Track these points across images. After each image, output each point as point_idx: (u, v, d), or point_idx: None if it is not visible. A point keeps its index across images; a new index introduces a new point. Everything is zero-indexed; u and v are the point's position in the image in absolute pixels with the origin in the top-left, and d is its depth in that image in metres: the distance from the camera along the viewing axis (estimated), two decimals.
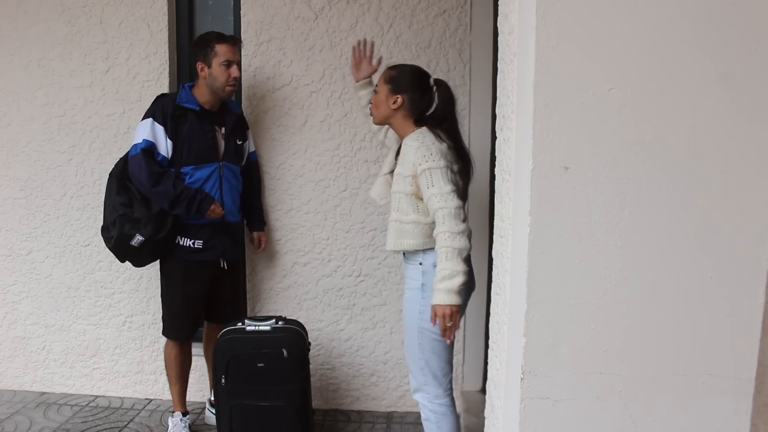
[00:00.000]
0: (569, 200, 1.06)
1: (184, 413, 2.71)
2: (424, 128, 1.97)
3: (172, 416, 2.71)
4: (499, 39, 1.32)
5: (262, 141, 2.89)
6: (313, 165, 2.88)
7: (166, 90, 2.85)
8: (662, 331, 1.09)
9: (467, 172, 2.03)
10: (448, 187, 1.84)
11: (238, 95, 2.92)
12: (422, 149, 1.88)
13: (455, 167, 1.93)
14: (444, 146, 1.92)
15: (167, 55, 2.87)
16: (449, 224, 1.80)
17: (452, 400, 2.07)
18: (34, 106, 2.97)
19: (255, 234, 2.84)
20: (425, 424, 2.08)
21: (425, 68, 2.01)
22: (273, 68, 2.83)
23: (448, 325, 1.83)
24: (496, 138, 1.33)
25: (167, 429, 2.72)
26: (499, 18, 1.32)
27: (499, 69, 1.32)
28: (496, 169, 1.32)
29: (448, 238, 1.80)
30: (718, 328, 1.08)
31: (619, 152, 1.05)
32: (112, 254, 2.57)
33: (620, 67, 1.03)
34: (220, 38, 2.47)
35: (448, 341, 1.91)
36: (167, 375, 2.72)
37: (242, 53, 2.84)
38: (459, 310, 1.82)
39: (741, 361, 1.09)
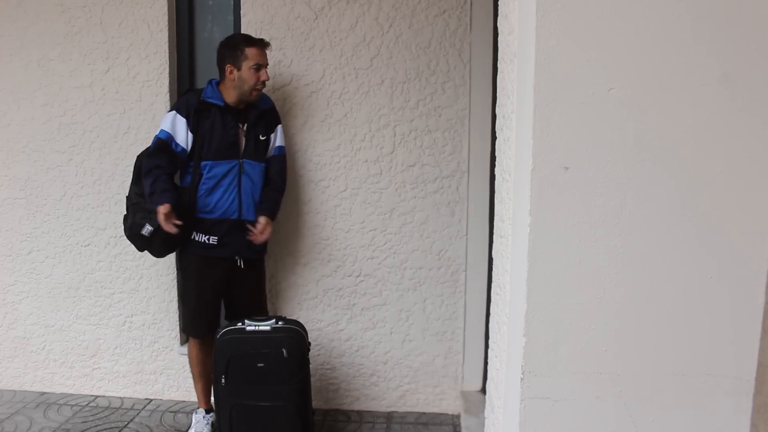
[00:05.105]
0: (569, 200, 1.06)
1: (207, 410, 2.72)
2: None
3: (196, 413, 2.73)
4: (499, 39, 1.32)
5: None
6: (313, 165, 2.87)
7: (166, 90, 2.85)
8: (662, 331, 1.09)
9: None
10: None
11: None
12: None
13: None
14: None
15: (167, 55, 2.87)
16: None
17: None
18: (34, 106, 2.97)
19: (258, 217, 2.59)
20: None
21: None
22: (273, 68, 2.83)
23: None
24: (496, 138, 1.33)
25: (190, 424, 2.74)
26: (499, 18, 1.32)
27: (499, 69, 1.32)
28: (496, 169, 1.32)
29: None
30: (718, 328, 1.08)
31: (619, 152, 1.05)
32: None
33: (620, 67, 1.03)
34: (249, 41, 2.48)
35: None
36: (191, 372, 2.73)
37: None
38: None
39: (741, 361, 1.09)
